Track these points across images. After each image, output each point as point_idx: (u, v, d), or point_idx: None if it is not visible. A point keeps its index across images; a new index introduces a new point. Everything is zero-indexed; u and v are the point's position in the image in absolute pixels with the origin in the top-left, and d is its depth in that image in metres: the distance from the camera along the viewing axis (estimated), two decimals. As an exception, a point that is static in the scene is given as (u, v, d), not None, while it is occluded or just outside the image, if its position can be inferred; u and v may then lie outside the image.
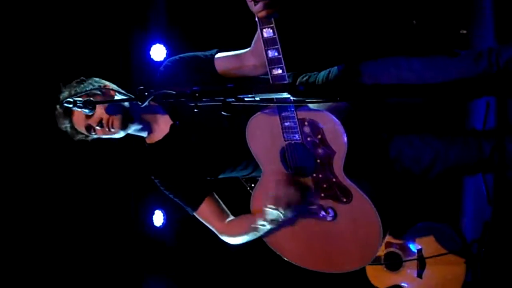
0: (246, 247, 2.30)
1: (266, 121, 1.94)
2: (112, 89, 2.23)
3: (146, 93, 1.81)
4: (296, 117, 1.86)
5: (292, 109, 1.85)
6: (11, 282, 3.68)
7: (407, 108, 2.16)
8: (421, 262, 3.36)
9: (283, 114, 1.87)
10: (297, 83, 2.20)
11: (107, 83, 2.30)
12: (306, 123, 1.86)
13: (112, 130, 2.20)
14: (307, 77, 2.26)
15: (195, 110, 1.72)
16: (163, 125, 2.31)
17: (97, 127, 2.19)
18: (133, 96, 1.95)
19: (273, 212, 2.01)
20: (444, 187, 4.07)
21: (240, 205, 2.31)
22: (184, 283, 4.67)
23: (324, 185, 1.97)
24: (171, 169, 2.31)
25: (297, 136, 1.91)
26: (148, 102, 1.80)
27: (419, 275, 3.37)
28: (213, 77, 2.18)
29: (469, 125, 3.95)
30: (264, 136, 1.99)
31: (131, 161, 4.06)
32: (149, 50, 4.01)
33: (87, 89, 2.18)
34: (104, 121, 2.18)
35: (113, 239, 4.20)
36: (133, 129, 2.29)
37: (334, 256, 2.13)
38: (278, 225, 2.12)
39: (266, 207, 2.01)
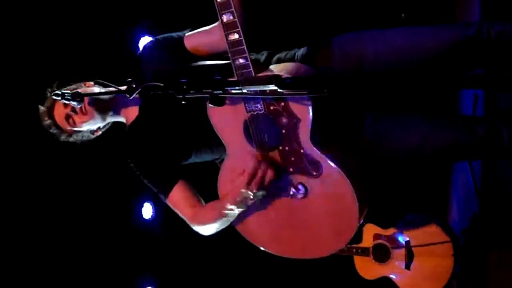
0: (236, 240, 2.26)
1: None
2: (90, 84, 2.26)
3: (134, 85, 1.79)
4: None
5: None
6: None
7: (397, 88, 2.12)
8: (409, 253, 3.39)
9: None
10: (275, 59, 2.15)
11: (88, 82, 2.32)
12: (267, 90, 1.70)
13: (87, 115, 2.21)
14: (285, 54, 2.19)
15: (183, 102, 1.70)
16: (134, 107, 2.28)
17: (72, 113, 2.21)
18: (117, 88, 1.95)
19: (241, 192, 1.93)
20: (432, 179, 4.10)
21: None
22: (173, 276, 4.68)
23: (292, 158, 1.90)
24: (144, 151, 2.25)
25: (259, 106, 1.84)
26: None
27: (407, 267, 3.39)
28: (187, 56, 2.15)
29: (460, 112, 3.98)
30: (226, 110, 1.90)
31: (119, 155, 4.04)
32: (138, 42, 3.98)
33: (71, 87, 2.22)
34: (78, 110, 2.20)
35: (102, 232, 4.20)
36: (109, 116, 2.30)
37: (309, 239, 2.03)
38: (248, 210, 2.03)
39: (234, 187, 1.94)
